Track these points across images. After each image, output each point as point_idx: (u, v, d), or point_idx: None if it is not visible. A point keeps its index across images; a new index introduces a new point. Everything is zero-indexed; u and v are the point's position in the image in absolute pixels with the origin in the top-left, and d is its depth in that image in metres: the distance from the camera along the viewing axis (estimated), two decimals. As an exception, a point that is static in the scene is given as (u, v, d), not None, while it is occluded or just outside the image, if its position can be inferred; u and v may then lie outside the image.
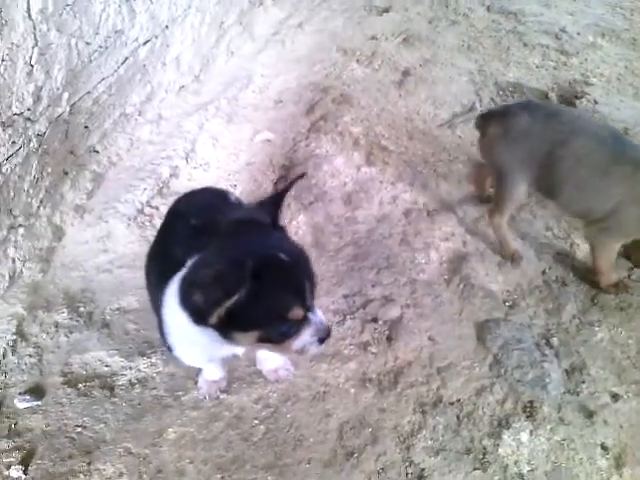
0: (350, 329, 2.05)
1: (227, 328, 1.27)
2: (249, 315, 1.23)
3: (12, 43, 1.88)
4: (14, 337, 2.03)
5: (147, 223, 2.48)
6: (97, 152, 2.60)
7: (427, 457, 1.70)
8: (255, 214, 1.39)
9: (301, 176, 1.61)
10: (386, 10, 4.13)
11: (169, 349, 1.57)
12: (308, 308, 1.30)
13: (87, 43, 2.28)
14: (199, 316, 1.25)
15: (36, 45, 2.00)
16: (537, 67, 3.39)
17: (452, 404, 1.83)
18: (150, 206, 2.55)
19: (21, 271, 2.20)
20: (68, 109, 2.27)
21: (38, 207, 2.25)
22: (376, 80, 3.36)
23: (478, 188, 2.52)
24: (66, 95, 2.23)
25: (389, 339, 2.02)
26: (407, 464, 1.68)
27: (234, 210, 1.74)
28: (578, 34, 3.66)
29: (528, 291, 2.17)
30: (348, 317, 2.09)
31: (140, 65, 2.72)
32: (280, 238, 1.37)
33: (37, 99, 2.07)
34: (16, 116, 1.99)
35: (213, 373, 1.86)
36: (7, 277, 2.14)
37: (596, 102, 3.05)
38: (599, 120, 2.87)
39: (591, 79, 3.25)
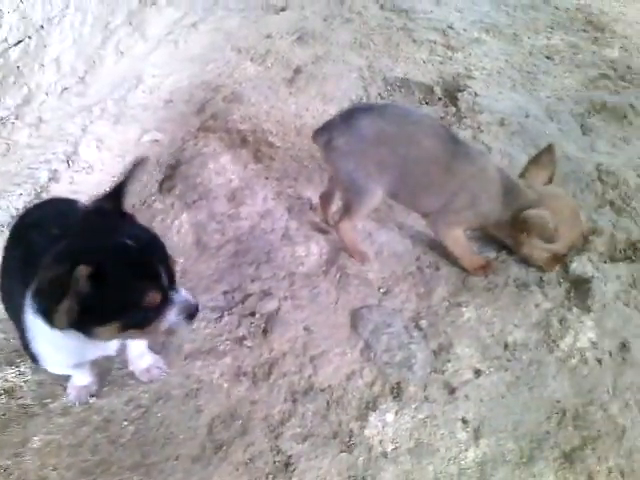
0: (227, 325, 2.06)
1: (86, 326, 1.27)
2: (103, 308, 1.24)
3: None
4: None
5: (23, 229, 2.40)
6: (-32, 158, 2.50)
7: (295, 444, 1.72)
8: (102, 204, 1.38)
9: (141, 161, 1.55)
10: (283, 9, 4.17)
11: (33, 359, 1.54)
12: (166, 289, 1.31)
13: (-57, 44, 2.19)
14: (50, 321, 1.23)
15: None
16: (424, 62, 3.51)
17: (323, 390, 1.87)
18: (27, 212, 2.47)
19: None
20: None
21: None
22: (268, 78, 3.38)
23: (324, 212, 2.44)
24: None
25: (265, 332, 2.04)
26: (275, 452, 1.71)
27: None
28: (464, 30, 3.82)
29: (402, 277, 2.24)
30: (226, 313, 2.09)
31: (13, 67, 2.62)
32: (127, 225, 1.36)
33: None
34: None
35: (82, 378, 1.82)
36: None
37: (477, 94, 3.18)
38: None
39: (473, 72, 3.39)
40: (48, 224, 1.60)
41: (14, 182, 2.56)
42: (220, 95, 3.22)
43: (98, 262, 1.20)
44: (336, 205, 2.40)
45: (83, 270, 1.17)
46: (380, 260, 2.30)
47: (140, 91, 3.27)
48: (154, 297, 1.28)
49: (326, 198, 2.38)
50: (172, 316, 1.34)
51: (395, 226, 2.43)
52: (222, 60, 3.56)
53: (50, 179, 2.62)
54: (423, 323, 2.06)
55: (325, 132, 2.15)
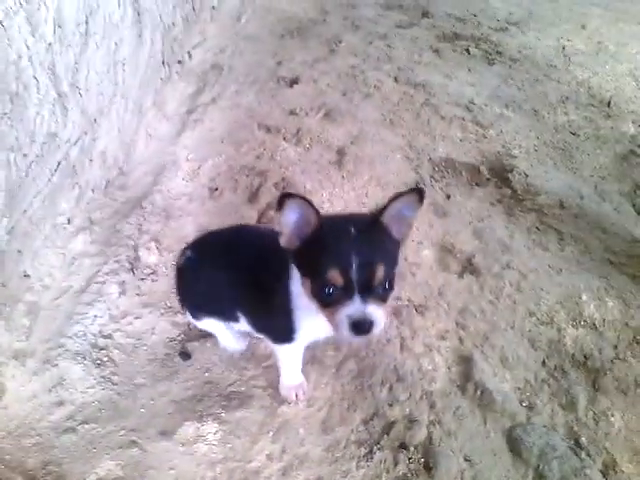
0: (382, 462, 1.85)
1: (301, 267, 1.50)
2: (307, 260, 1.45)
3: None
4: None
5: (105, 359, 2.07)
6: (28, 276, 2.14)
7: None
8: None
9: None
10: (295, 81, 4.04)
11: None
12: (351, 282, 1.36)
13: (24, 155, 1.88)
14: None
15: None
16: (461, 140, 3.49)
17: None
18: (104, 336, 2.14)
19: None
20: (6, 238, 1.84)
21: (-26, 366, 1.77)
22: (312, 161, 3.23)
23: None
24: (5, 221, 1.80)
25: (427, 468, 1.85)
26: None
27: None
28: (485, 105, 3.84)
29: (538, 386, 2.13)
30: (375, 448, 1.89)
31: (71, 167, 2.31)
32: (367, 225, 1.43)
33: (-24, 235, 1.64)
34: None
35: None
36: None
37: (527, 175, 3.19)
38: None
39: (513, 151, 3.40)
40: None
41: (82, 301, 2.22)
42: (270, 181, 3.03)
43: (324, 224, 1.42)
44: None
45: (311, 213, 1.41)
46: (507, 367, 2.19)
47: (180, 179, 3.01)
48: (334, 276, 1.36)
49: None
50: (343, 313, 1.37)
51: (509, 327, 2.33)
52: (254, 140, 3.37)
53: (120, 293, 2.30)
54: (583, 441, 1.96)
55: None
